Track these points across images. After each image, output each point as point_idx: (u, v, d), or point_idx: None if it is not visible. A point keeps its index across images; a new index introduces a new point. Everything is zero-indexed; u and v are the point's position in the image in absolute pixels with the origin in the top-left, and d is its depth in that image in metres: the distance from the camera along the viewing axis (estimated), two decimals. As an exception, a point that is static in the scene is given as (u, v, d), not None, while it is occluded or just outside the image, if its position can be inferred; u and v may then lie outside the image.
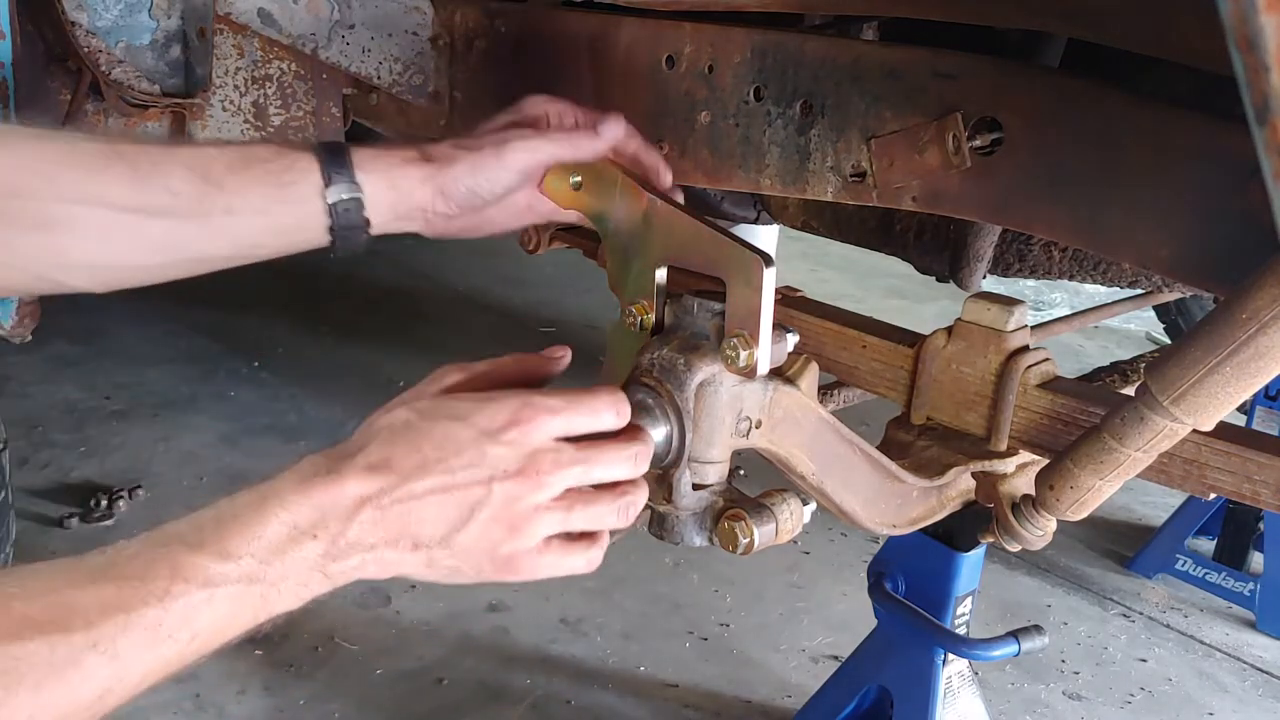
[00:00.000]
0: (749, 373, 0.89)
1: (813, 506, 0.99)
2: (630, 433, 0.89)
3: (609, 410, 0.87)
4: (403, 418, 0.82)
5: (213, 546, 0.72)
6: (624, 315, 1.00)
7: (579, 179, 1.06)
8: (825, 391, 1.53)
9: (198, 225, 0.94)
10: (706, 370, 0.92)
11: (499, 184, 1.02)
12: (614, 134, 1.06)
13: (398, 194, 1.00)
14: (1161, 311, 3.38)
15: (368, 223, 0.99)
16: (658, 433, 0.93)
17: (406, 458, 0.79)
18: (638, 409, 0.92)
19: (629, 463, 0.87)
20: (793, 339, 0.93)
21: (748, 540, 0.92)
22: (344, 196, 0.97)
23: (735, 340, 0.88)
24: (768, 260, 0.86)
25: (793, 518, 0.95)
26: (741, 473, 1.02)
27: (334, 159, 0.97)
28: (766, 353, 0.89)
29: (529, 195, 1.08)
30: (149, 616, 0.68)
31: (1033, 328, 1.27)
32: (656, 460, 0.93)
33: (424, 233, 1.05)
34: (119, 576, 0.69)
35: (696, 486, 0.96)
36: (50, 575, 0.69)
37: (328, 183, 0.96)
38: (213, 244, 0.96)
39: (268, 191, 0.95)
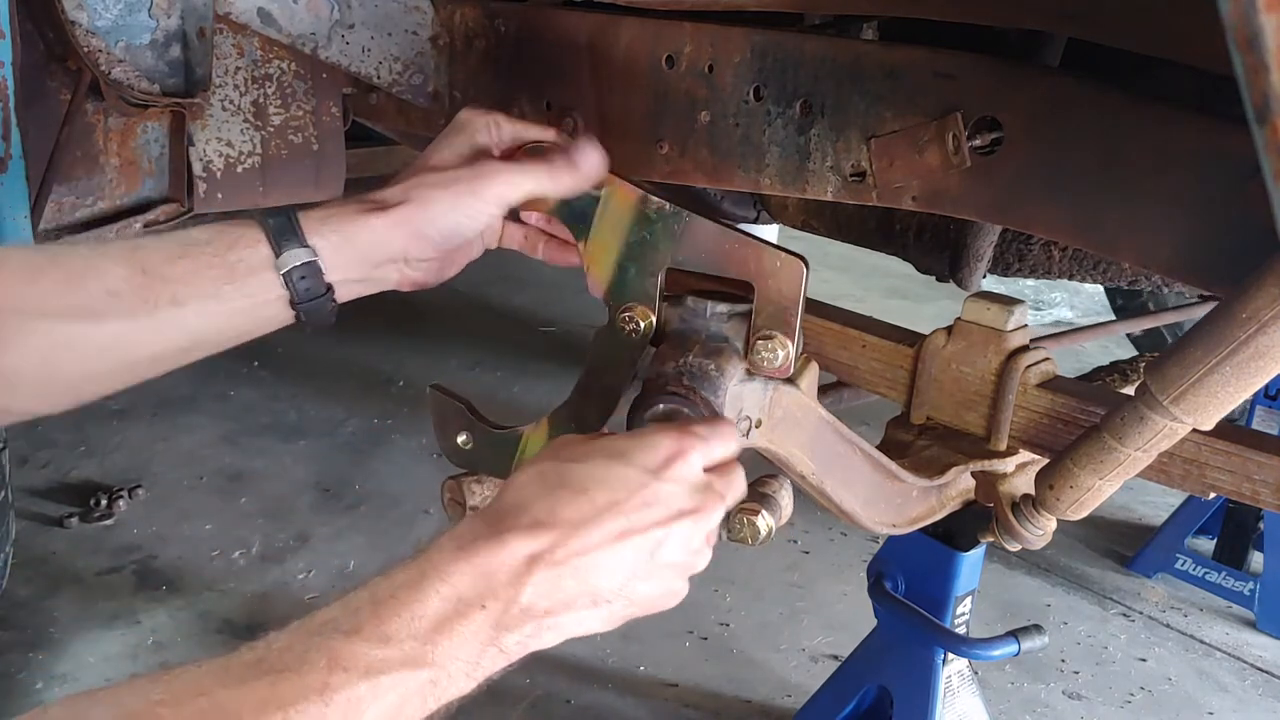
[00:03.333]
0: (783, 373, 0.91)
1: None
2: (734, 455, 0.88)
3: (735, 436, 0.87)
4: (554, 466, 0.77)
5: (370, 630, 0.66)
6: (619, 320, 0.98)
7: None
8: (824, 391, 1.53)
9: (144, 322, 0.85)
10: (737, 373, 0.93)
11: (479, 220, 0.95)
12: (593, 168, 0.98)
13: (359, 250, 0.91)
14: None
15: (330, 288, 0.90)
16: None
17: (573, 506, 0.73)
18: (673, 419, 0.91)
19: (745, 483, 0.88)
20: (799, 338, 0.95)
21: (769, 529, 0.93)
22: (297, 263, 0.88)
23: (768, 342, 0.89)
24: (806, 262, 0.90)
25: (786, 501, 0.96)
26: None
27: (280, 226, 0.89)
28: (795, 352, 0.92)
29: (496, 226, 1.02)
30: (310, 713, 0.62)
31: (1049, 337, 1.28)
32: None
33: (399, 287, 0.98)
34: (272, 670, 0.63)
35: None
36: (198, 677, 0.63)
37: (277, 252, 0.88)
38: (164, 340, 0.87)
39: (214, 274, 0.87)
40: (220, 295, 0.87)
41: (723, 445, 0.85)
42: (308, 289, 0.89)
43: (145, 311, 0.85)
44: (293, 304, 0.90)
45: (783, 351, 0.91)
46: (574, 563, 0.72)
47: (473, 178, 0.94)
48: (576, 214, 1.00)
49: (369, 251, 0.92)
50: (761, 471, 1.01)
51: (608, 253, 0.99)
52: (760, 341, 0.91)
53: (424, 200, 0.92)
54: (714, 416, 0.89)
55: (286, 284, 0.88)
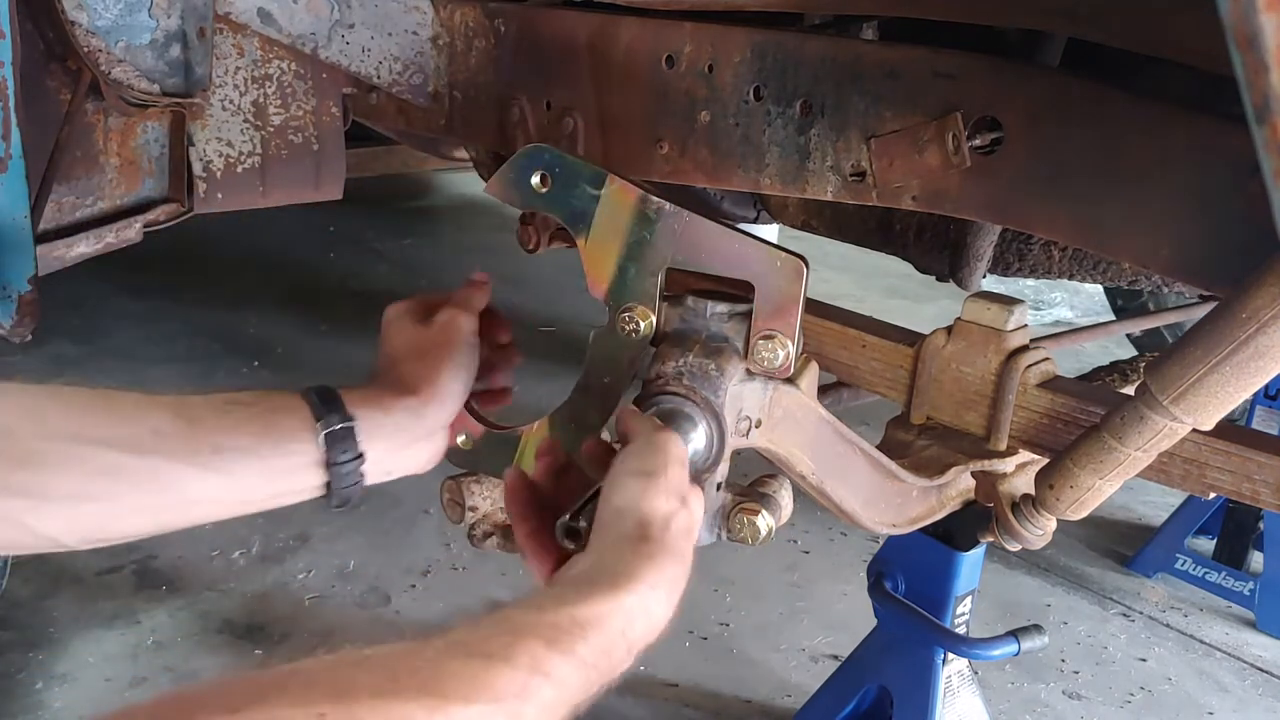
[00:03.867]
0: (784, 373, 0.91)
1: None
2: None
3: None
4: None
5: (565, 646, 0.71)
6: (618, 320, 0.98)
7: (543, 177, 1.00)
8: (824, 391, 1.52)
9: (183, 464, 0.89)
10: (737, 373, 0.93)
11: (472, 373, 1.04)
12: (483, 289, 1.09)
13: (397, 424, 0.97)
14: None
15: (362, 456, 0.95)
16: (698, 439, 0.92)
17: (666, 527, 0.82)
18: (674, 418, 0.91)
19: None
20: (799, 338, 0.94)
21: (769, 529, 0.93)
22: (336, 426, 0.93)
23: (768, 342, 0.89)
24: (806, 261, 0.89)
25: (790, 499, 0.96)
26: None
27: (323, 397, 0.95)
28: (795, 351, 0.91)
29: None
30: (510, 706, 0.66)
31: (1050, 337, 1.28)
32: (695, 466, 0.92)
33: (423, 468, 1.04)
34: (484, 655, 0.67)
35: (716, 486, 0.96)
36: (409, 652, 0.66)
37: (318, 416, 0.93)
38: (199, 485, 0.90)
39: (255, 429, 0.92)
40: (258, 451, 0.91)
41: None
42: (342, 451, 0.94)
43: (186, 454, 0.89)
44: (326, 465, 0.94)
45: (783, 351, 0.91)
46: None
47: (445, 336, 1.03)
48: (576, 214, 0.99)
49: (405, 425, 0.98)
50: (761, 471, 1.02)
51: (607, 253, 0.98)
52: (761, 341, 0.91)
53: (432, 380, 1.00)
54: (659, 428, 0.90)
55: (323, 445, 0.93)
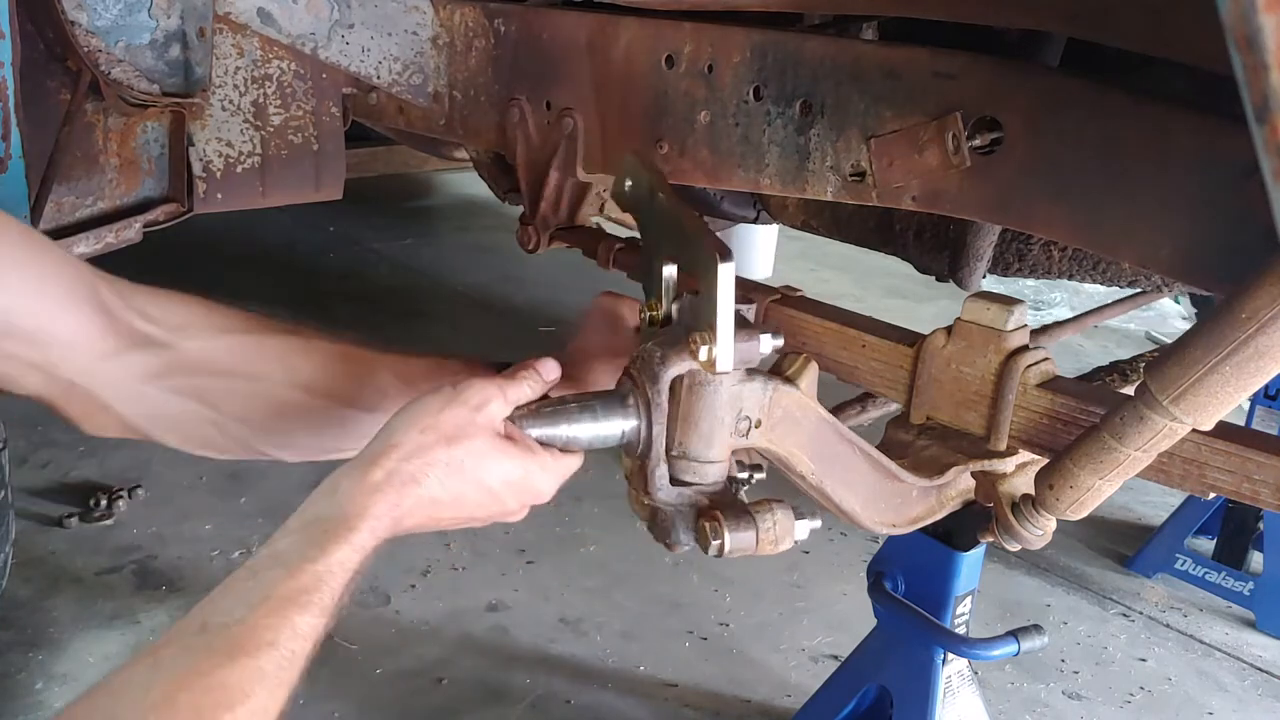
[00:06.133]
0: (710, 368, 0.89)
1: (812, 524, 0.96)
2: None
3: (538, 379, 1.00)
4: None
5: (313, 604, 0.81)
6: (641, 310, 1.01)
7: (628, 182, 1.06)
8: (847, 406, 1.52)
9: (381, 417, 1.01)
10: (682, 365, 0.92)
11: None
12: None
13: None
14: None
15: None
16: (628, 425, 0.95)
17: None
18: (616, 400, 0.95)
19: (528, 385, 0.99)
20: (768, 339, 0.92)
21: (719, 542, 0.92)
22: None
23: (700, 335, 0.88)
24: (725, 255, 0.85)
25: (776, 528, 0.93)
26: (757, 478, 1.02)
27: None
28: (727, 350, 0.87)
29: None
30: (276, 678, 0.77)
31: (1034, 331, 1.27)
32: (630, 451, 0.96)
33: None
34: (254, 648, 0.77)
35: (676, 482, 0.96)
36: (181, 664, 0.76)
37: None
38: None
39: None
40: None
41: (519, 388, 0.97)
42: None
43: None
44: None
45: (705, 348, 0.88)
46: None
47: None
48: (631, 202, 1.05)
49: None
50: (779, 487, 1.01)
51: (646, 250, 1.03)
52: (695, 334, 0.89)
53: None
54: (523, 364, 0.99)
55: None
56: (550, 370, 1.02)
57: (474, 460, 0.91)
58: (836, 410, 1.39)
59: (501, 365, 1.07)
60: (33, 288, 0.91)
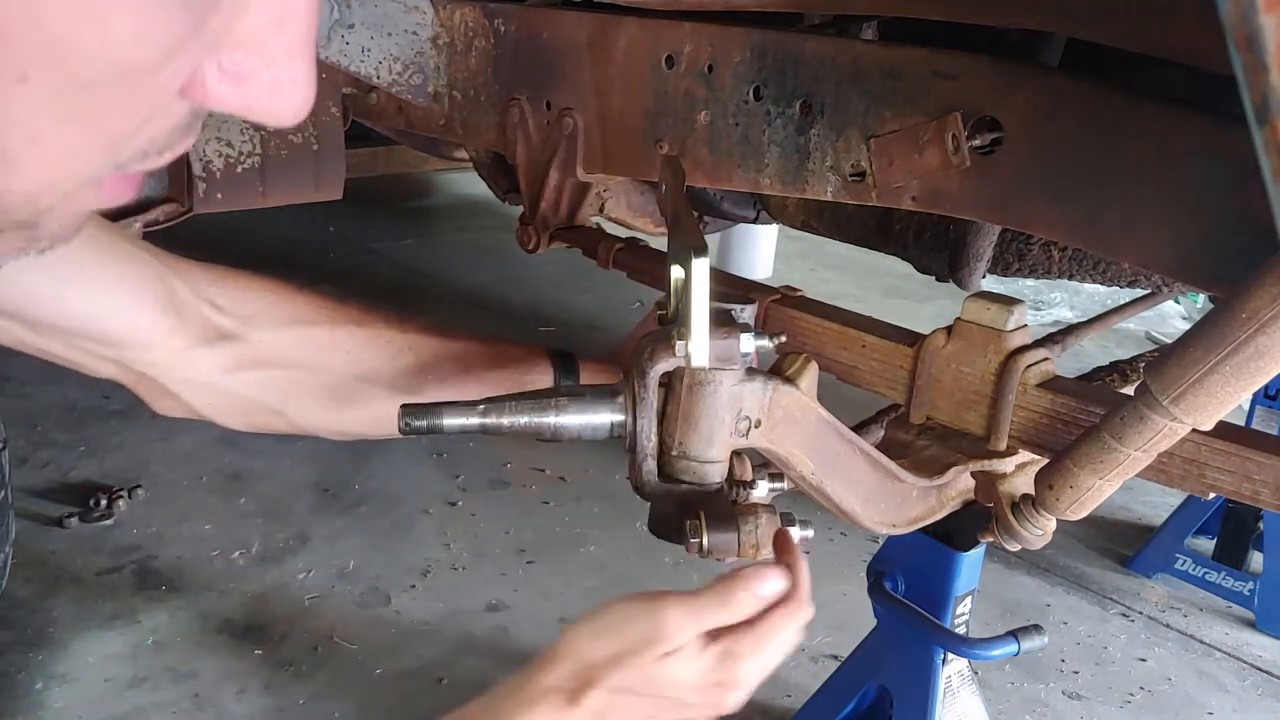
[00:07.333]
0: (688, 364, 0.89)
1: (803, 533, 0.95)
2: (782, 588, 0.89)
3: (746, 596, 0.88)
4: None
5: None
6: (656, 309, 1.02)
7: None
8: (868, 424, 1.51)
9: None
10: (668, 362, 0.92)
11: None
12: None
13: None
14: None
15: None
16: (615, 418, 0.95)
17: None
18: (606, 393, 0.95)
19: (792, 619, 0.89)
20: (748, 338, 0.91)
21: (696, 542, 0.91)
22: None
23: (679, 330, 0.88)
24: (699, 249, 0.84)
25: (758, 533, 0.92)
26: (775, 488, 1.02)
27: (565, 365, 1.16)
28: (702, 345, 0.86)
29: None
30: None
31: (1054, 334, 1.26)
32: (620, 443, 0.97)
33: None
34: None
35: (664, 477, 0.95)
36: None
37: (556, 383, 1.12)
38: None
39: (511, 386, 1.11)
40: None
41: (716, 615, 0.87)
42: None
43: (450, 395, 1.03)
44: None
45: (680, 343, 0.88)
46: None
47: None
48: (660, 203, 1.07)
49: None
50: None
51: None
52: (676, 328, 0.90)
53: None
54: (719, 583, 0.88)
55: None
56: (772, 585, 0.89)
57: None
58: (858, 428, 1.39)
59: (559, 353, 1.11)
60: (105, 290, 0.93)
